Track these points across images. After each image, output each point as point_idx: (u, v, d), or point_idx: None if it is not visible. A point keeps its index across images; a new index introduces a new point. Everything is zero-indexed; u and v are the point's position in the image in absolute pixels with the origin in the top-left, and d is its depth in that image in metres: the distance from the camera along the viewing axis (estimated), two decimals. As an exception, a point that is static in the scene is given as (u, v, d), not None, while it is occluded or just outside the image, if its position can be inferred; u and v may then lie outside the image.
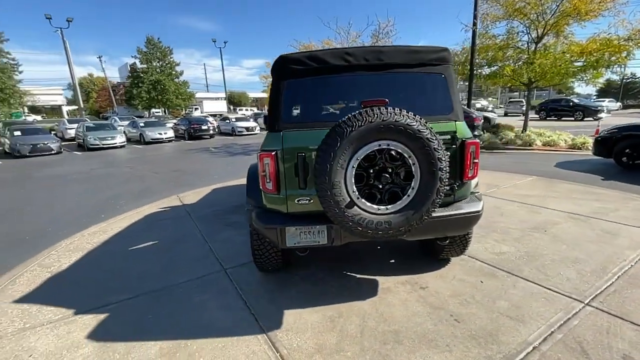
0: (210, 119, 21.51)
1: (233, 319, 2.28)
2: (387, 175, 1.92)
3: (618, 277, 2.51)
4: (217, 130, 20.07)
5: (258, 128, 19.76)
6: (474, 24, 10.25)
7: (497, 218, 3.92)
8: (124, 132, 17.78)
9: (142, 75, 27.61)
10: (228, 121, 20.36)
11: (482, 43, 10.62)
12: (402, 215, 1.92)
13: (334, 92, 2.35)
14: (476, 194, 2.50)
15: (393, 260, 3.03)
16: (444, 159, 1.87)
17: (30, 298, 2.68)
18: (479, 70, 11.46)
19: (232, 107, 46.09)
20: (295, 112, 2.29)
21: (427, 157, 1.85)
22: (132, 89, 28.07)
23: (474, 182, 2.50)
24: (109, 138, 15.07)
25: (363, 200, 1.91)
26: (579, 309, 2.16)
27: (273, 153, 2.13)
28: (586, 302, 2.23)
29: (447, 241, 2.54)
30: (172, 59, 29.65)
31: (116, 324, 2.30)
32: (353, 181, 1.88)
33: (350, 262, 3.00)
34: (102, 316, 2.38)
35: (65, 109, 46.59)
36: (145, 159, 11.42)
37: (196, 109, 38.43)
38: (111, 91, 37.00)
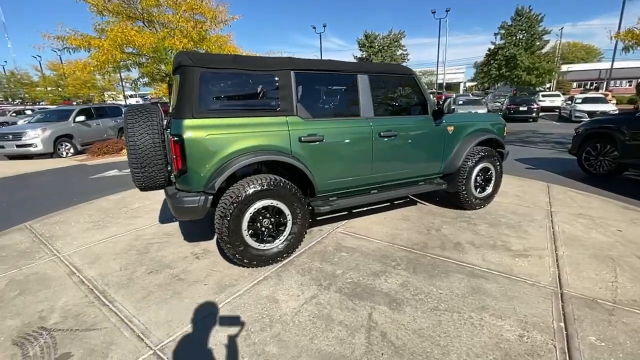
0: None
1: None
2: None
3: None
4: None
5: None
6: None
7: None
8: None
9: (497, 51, 27.07)
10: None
11: None
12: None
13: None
14: (204, 194, 2.47)
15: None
16: (133, 146, 2.57)
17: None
18: None
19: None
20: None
21: (132, 141, 2.67)
22: (484, 67, 28.56)
23: (200, 179, 2.47)
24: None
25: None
26: None
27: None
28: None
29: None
30: (540, 29, 25.89)
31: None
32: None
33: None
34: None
35: (461, 85, 57.76)
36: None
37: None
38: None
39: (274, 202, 2.67)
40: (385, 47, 30.00)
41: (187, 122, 2.41)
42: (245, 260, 2.66)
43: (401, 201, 4.35)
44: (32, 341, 1.98)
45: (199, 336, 1.97)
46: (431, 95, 4.00)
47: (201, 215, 2.55)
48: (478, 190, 3.95)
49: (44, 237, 3.60)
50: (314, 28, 31.07)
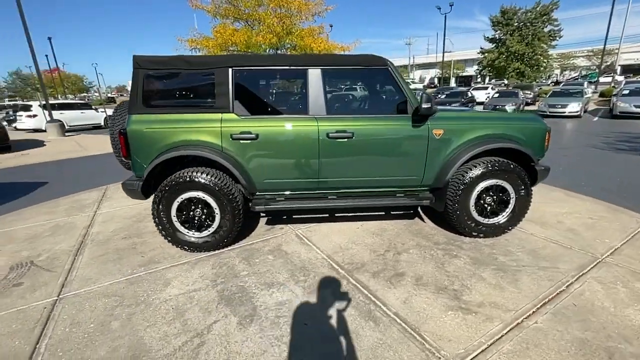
0: None
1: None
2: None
3: None
4: None
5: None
6: None
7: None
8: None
9: None
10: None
11: None
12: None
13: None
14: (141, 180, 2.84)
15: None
16: (112, 134, 3.17)
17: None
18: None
19: None
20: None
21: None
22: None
23: (140, 166, 2.83)
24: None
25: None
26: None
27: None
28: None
29: None
30: None
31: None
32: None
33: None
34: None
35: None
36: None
37: None
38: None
39: (201, 195, 2.83)
40: (528, 24, 24.22)
41: (131, 117, 2.80)
42: (177, 244, 2.95)
43: (400, 212, 3.79)
44: (19, 268, 2.82)
45: (88, 297, 2.39)
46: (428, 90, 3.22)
47: (141, 197, 2.95)
48: (484, 213, 3.04)
49: (105, 197, 4.84)
50: (439, 9, 28.09)
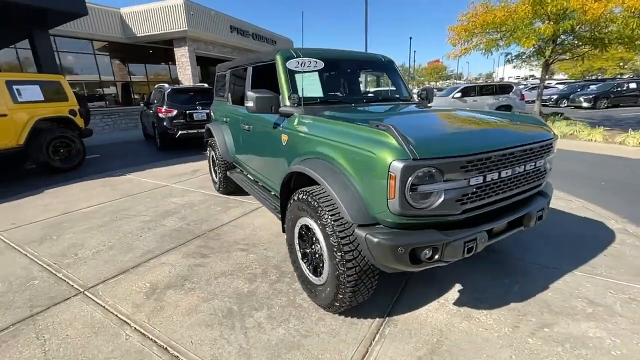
0: None
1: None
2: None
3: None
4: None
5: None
6: None
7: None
8: None
9: None
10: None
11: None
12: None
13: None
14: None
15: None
16: None
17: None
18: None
19: None
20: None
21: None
22: None
23: None
24: None
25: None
26: None
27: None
28: (165, 188, 4.96)
29: None
30: None
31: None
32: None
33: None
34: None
35: None
36: None
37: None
38: None
39: (212, 154, 4.34)
40: None
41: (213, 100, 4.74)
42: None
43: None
44: (192, 172, 5.88)
45: (168, 188, 4.83)
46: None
47: None
48: (309, 267, 2.13)
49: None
50: None
